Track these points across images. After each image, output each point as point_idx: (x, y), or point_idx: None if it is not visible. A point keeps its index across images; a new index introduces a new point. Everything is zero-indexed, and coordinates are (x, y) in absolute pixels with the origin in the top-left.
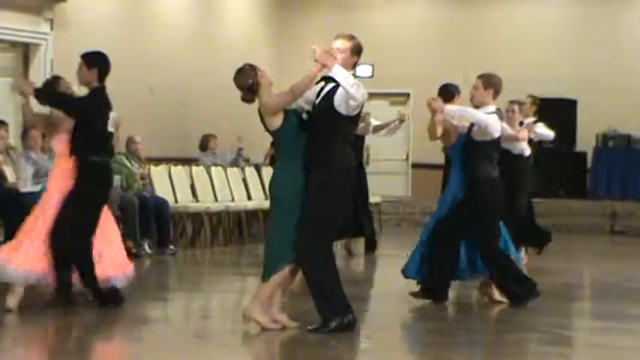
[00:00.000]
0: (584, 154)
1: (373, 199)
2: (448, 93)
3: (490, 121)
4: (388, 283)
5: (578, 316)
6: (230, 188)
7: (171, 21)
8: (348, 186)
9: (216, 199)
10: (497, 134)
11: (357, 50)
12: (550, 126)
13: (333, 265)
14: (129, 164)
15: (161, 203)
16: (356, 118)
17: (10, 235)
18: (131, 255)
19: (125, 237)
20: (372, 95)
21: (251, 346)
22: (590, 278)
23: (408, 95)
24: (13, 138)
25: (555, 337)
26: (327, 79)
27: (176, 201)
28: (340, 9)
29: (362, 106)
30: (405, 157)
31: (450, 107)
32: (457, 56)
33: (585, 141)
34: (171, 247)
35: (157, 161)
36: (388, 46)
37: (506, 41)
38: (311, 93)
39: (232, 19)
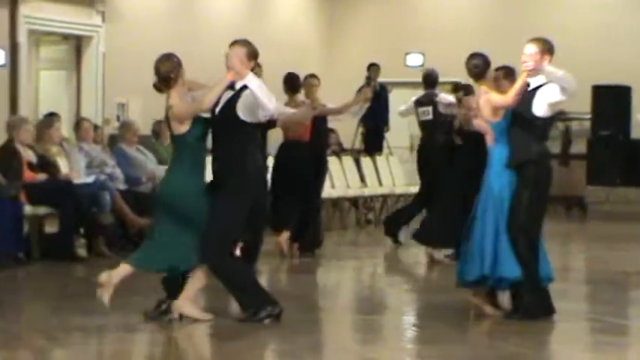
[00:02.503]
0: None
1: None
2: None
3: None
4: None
5: (634, 305)
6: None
7: (222, 15)
8: (257, 190)
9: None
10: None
11: (253, 55)
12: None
13: (239, 261)
14: None
15: None
16: (264, 124)
17: (65, 226)
18: None
19: None
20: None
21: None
22: None
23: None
24: (66, 129)
25: (610, 325)
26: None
27: None
28: None
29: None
30: None
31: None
32: (508, 43)
33: None
34: None
35: None
36: (439, 34)
37: (558, 27)
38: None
39: (282, 13)
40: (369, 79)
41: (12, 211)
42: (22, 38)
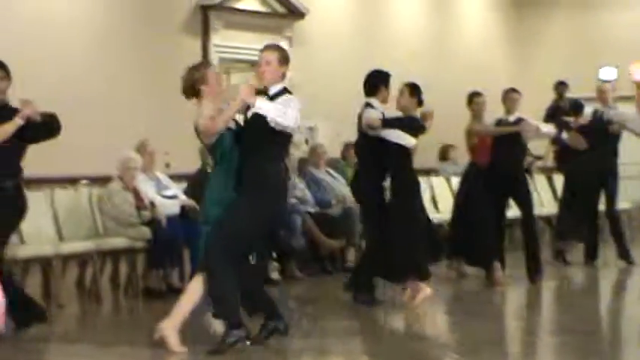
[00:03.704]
0: None
1: (623, 204)
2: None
3: None
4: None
5: None
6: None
7: (405, 32)
8: (276, 202)
9: None
10: None
11: (284, 60)
12: None
13: (231, 275)
14: None
15: None
16: (289, 135)
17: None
18: None
19: None
20: (619, 99)
21: None
22: None
23: None
24: None
25: None
26: (260, 91)
27: None
28: (583, 8)
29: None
30: None
31: None
32: None
33: None
34: None
35: None
36: (634, 46)
37: None
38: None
39: (467, 24)
40: (559, 96)
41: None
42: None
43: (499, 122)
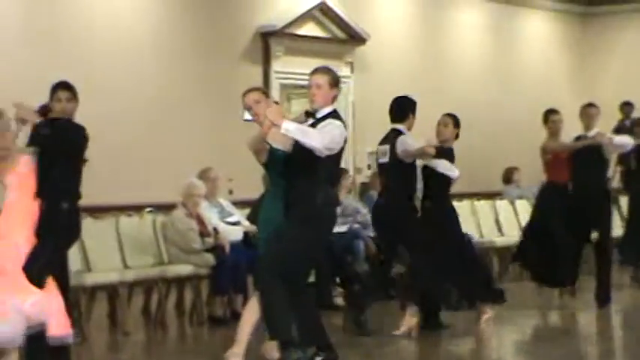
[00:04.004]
0: None
1: None
2: None
3: None
4: None
5: None
6: None
7: (468, 56)
8: (325, 226)
9: None
10: None
11: (334, 83)
12: None
13: (282, 296)
14: None
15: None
16: (336, 159)
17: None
18: None
19: None
20: None
21: None
22: None
23: None
24: None
25: None
26: (309, 114)
27: (481, 236)
28: None
29: (342, 146)
30: None
31: None
32: None
33: None
34: None
35: (460, 196)
36: None
37: None
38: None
39: (529, 47)
40: (625, 117)
41: None
42: (275, 93)
43: (578, 139)
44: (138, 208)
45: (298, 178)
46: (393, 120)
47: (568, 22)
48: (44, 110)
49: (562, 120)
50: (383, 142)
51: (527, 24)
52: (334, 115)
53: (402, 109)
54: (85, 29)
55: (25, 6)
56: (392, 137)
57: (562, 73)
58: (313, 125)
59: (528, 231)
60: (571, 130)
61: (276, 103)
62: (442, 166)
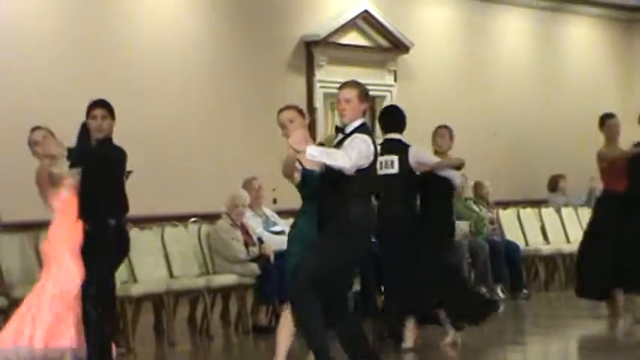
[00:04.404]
0: None
1: None
2: None
3: None
4: None
5: None
6: (583, 229)
7: (513, 63)
8: (360, 240)
9: (568, 241)
10: None
11: (364, 96)
12: None
13: (315, 307)
14: (477, 209)
15: (512, 247)
16: (368, 172)
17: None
18: None
19: (476, 282)
20: None
21: None
22: None
23: None
24: None
25: None
26: (338, 129)
27: (527, 244)
28: None
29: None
30: None
31: None
32: None
33: None
34: (525, 290)
35: (505, 204)
36: None
37: None
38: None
39: (576, 54)
40: None
41: None
42: (319, 103)
43: (637, 145)
44: (183, 219)
45: (330, 194)
46: (390, 130)
47: (614, 28)
48: (84, 129)
49: (618, 124)
50: (386, 152)
51: (572, 30)
52: (362, 128)
53: (400, 118)
54: (130, 41)
55: (73, 20)
56: (398, 148)
57: (608, 80)
58: (342, 140)
59: (588, 242)
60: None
61: (308, 117)
62: (452, 174)
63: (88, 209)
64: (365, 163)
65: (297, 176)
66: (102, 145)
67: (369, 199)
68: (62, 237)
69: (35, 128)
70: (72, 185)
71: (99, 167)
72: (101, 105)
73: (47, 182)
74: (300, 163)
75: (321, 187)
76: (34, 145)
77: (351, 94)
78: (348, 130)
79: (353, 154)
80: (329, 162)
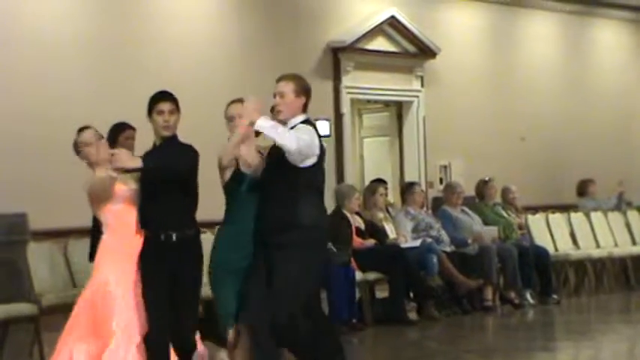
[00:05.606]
0: None
1: None
2: None
3: None
4: None
5: None
6: (612, 234)
7: (541, 68)
8: (321, 247)
9: (598, 246)
10: None
11: (301, 91)
12: None
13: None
14: (506, 214)
15: (541, 252)
16: (317, 169)
17: (395, 291)
18: (514, 305)
19: (506, 287)
20: None
21: None
22: None
23: None
24: (391, 194)
25: None
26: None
27: (556, 249)
28: None
29: (319, 155)
30: None
31: None
32: None
33: None
34: (554, 295)
35: (534, 210)
36: None
37: None
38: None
39: (605, 58)
40: None
41: (345, 277)
42: (346, 109)
43: None
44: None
45: (276, 198)
46: None
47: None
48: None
49: None
50: None
51: (600, 34)
52: (307, 122)
53: None
54: (157, 48)
55: (103, 22)
56: None
57: (636, 83)
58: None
59: None
60: None
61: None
62: None
63: (152, 221)
64: (310, 155)
65: (228, 173)
66: (169, 152)
67: (321, 198)
68: (110, 252)
69: (83, 128)
70: (125, 196)
71: (168, 177)
72: (168, 98)
73: (106, 193)
74: (237, 162)
75: (264, 192)
76: (84, 146)
77: (285, 87)
78: (290, 125)
79: (302, 138)
80: (277, 138)
